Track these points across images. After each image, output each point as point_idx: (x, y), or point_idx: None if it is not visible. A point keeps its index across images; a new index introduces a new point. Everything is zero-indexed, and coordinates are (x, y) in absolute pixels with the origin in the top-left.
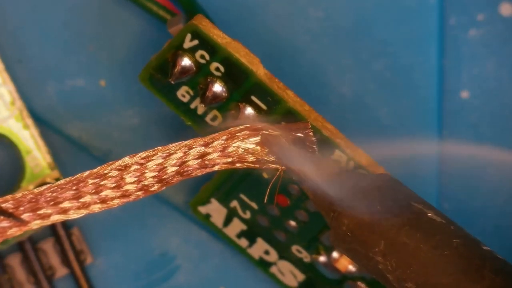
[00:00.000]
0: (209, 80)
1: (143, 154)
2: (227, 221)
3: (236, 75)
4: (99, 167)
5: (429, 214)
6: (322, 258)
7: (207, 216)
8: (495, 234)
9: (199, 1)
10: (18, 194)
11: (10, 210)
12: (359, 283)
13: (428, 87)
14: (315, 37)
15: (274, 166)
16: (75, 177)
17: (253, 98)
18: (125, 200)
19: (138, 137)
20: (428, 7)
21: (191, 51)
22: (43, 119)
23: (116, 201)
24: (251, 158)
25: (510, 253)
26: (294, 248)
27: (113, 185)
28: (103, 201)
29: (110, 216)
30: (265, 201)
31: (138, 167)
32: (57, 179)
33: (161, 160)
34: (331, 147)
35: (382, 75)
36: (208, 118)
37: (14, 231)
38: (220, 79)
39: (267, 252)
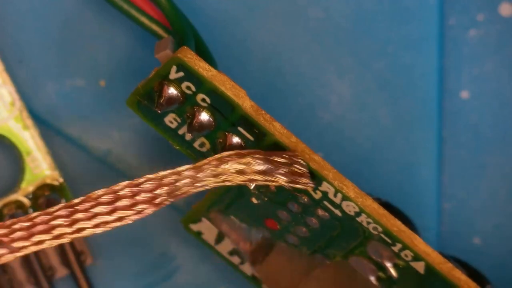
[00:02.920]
0: (195, 109)
1: (132, 182)
2: (219, 239)
3: (222, 106)
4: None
5: None
6: None
7: (199, 233)
8: (495, 234)
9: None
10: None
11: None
12: None
13: (428, 87)
14: (315, 37)
15: (263, 183)
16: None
17: (240, 129)
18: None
19: (138, 137)
20: (428, 7)
21: (177, 82)
22: (43, 119)
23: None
24: (240, 178)
25: (510, 254)
26: None
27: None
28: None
29: None
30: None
31: (130, 194)
32: (57, 182)
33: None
34: (318, 179)
35: (382, 75)
36: (196, 144)
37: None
38: (207, 109)
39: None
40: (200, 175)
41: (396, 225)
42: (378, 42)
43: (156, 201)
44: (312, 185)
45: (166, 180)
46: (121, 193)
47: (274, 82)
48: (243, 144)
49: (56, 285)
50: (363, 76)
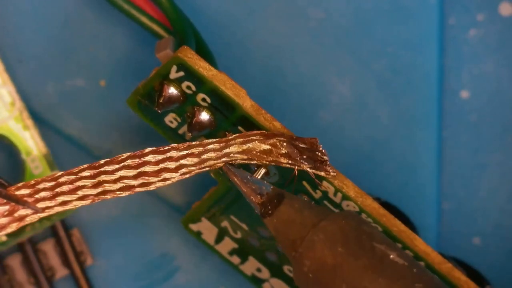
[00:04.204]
0: (196, 109)
1: (158, 149)
2: (219, 239)
3: (223, 106)
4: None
5: (391, 256)
6: None
7: (199, 233)
8: (495, 234)
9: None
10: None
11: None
12: None
13: (428, 87)
14: (315, 37)
15: (287, 165)
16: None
17: (240, 128)
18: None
19: (138, 137)
20: (428, 7)
21: (178, 82)
22: (43, 119)
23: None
24: (266, 158)
25: (510, 253)
26: (286, 268)
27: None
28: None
29: (110, 217)
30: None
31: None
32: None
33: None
34: (318, 178)
35: (382, 75)
36: None
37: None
38: (207, 109)
39: (259, 270)
40: (226, 150)
41: (396, 225)
42: (378, 42)
43: (181, 171)
44: (334, 174)
45: (192, 150)
46: (146, 158)
47: (274, 82)
48: None
49: (56, 285)
50: (363, 76)
